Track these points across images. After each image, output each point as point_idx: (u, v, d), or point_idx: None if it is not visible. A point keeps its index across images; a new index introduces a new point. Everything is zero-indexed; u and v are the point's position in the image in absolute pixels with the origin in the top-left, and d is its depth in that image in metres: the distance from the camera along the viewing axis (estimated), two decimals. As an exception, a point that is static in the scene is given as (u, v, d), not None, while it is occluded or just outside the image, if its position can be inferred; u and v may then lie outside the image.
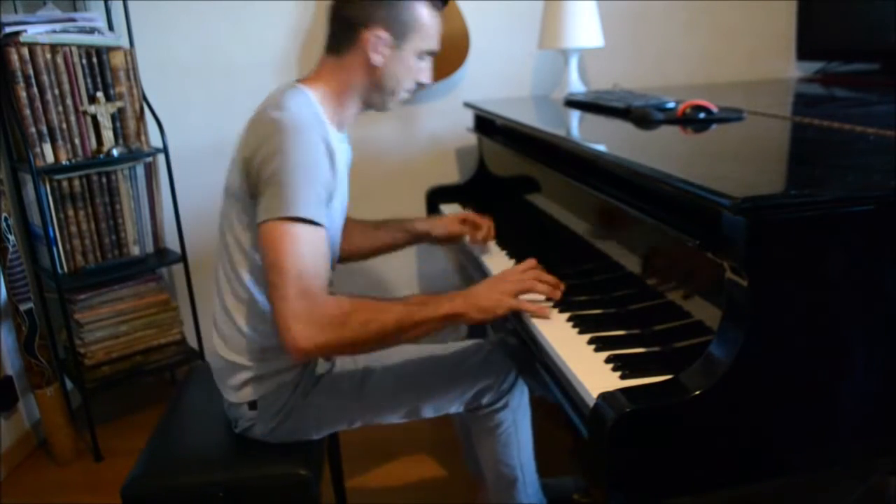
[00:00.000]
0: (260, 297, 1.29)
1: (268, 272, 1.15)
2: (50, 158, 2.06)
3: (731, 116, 1.48)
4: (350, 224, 1.61)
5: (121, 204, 2.23)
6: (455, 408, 1.42)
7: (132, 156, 2.21)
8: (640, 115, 1.54)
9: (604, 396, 0.91)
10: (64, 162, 2.08)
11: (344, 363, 1.38)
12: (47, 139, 2.05)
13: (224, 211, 1.31)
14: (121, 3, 2.18)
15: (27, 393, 2.23)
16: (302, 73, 2.40)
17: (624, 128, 1.54)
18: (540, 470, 1.56)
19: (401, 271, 2.63)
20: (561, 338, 1.17)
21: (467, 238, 1.70)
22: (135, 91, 2.20)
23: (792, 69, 2.51)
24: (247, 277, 1.28)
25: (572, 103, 1.99)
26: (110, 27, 2.24)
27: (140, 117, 2.22)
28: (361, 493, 1.93)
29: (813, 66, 2.40)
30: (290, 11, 2.37)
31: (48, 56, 2.02)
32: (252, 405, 1.33)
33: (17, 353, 2.18)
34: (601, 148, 1.30)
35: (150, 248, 2.33)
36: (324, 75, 1.33)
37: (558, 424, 1.92)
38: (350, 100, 1.33)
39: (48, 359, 2.16)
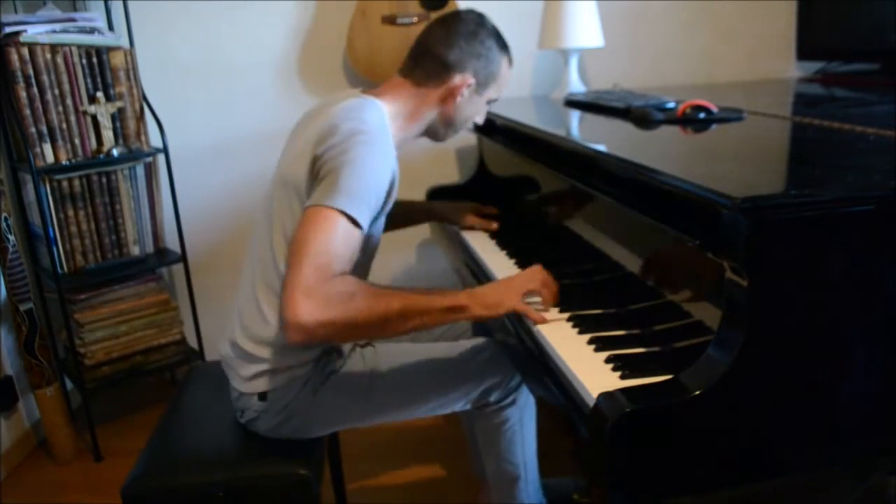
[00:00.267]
0: None
1: (291, 247, 1.16)
2: (50, 158, 2.06)
3: (731, 116, 1.48)
4: None
5: (121, 204, 2.23)
6: (461, 405, 1.42)
7: (132, 156, 2.21)
8: (640, 115, 1.54)
9: (604, 396, 0.91)
10: (64, 162, 2.08)
11: (353, 361, 1.39)
12: (47, 139, 2.05)
13: (277, 200, 1.31)
14: (121, 3, 2.18)
15: (27, 393, 2.23)
16: (302, 73, 2.41)
17: (624, 128, 1.54)
18: (540, 470, 1.56)
19: (401, 271, 2.63)
20: (561, 338, 1.17)
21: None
22: (135, 91, 2.20)
23: (792, 69, 2.51)
24: (282, 260, 1.28)
25: (572, 103, 1.99)
26: (110, 27, 2.24)
27: (140, 117, 2.22)
28: (361, 493, 1.93)
29: (813, 66, 2.40)
30: (290, 11, 2.37)
31: (48, 56, 2.02)
32: (262, 396, 1.33)
33: (17, 353, 2.18)
34: (601, 148, 1.30)
35: (150, 248, 2.33)
36: (399, 97, 1.39)
37: (558, 424, 1.92)
38: (417, 125, 1.42)
39: (48, 359, 2.16)
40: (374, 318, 1.15)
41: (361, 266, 1.37)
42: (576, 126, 1.73)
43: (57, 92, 2.05)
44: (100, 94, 2.12)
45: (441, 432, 2.12)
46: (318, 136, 1.25)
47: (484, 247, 1.72)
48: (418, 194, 2.25)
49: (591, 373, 1.05)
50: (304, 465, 1.31)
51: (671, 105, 1.54)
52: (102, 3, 2.23)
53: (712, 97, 1.58)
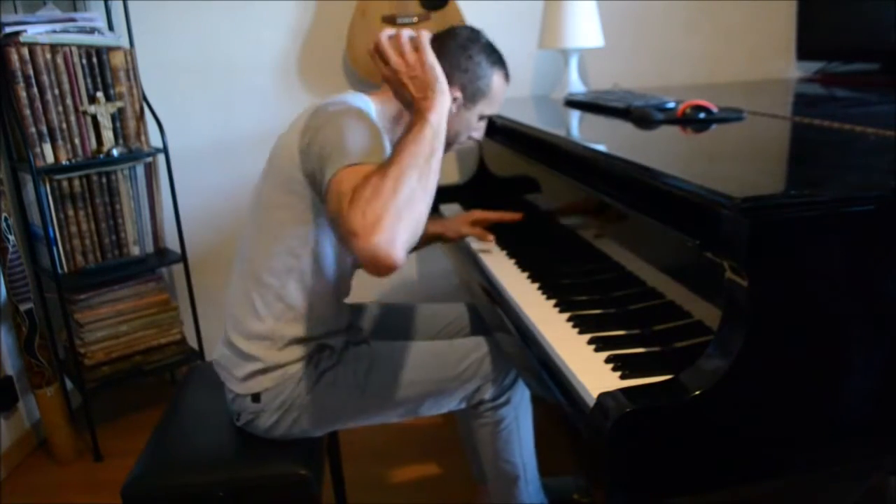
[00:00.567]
0: (290, 287, 1.30)
1: (330, 205, 1.08)
2: (50, 158, 2.06)
3: (731, 116, 1.48)
4: None
5: (121, 204, 2.23)
6: (456, 404, 1.42)
7: (132, 156, 2.21)
8: (640, 115, 1.54)
9: (604, 396, 0.91)
10: (64, 162, 2.08)
11: (347, 360, 1.39)
12: (47, 139, 2.05)
13: (264, 195, 1.30)
14: (121, 3, 2.18)
15: (27, 393, 2.23)
16: (302, 73, 2.41)
17: (624, 128, 1.54)
18: (540, 470, 1.56)
19: (401, 271, 2.62)
20: (561, 338, 1.17)
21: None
22: (135, 91, 2.20)
23: (792, 69, 2.51)
24: (279, 265, 1.29)
25: (572, 103, 1.99)
26: (110, 27, 2.24)
27: (140, 117, 2.22)
28: (361, 493, 1.93)
29: (813, 66, 2.40)
30: (290, 11, 2.37)
31: (48, 56, 2.02)
32: (256, 398, 1.33)
33: (17, 353, 2.18)
34: (601, 148, 1.30)
35: (150, 248, 2.33)
36: (388, 98, 1.34)
37: (558, 424, 1.92)
38: (401, 128, 1.35)
39: (48, 359, 2.16)
40: (410, 175, 1.05)
41: (342, 266, 1.37)
42: (576, 126, 1.73)
43: (57, 92, 2.05)
44: (100, 94, 2.12)
45: (441, 432, 2.12)
46: (303, 127, 1.23)
47: (483, 246, 1.72)
48: (418, 194, 2.24)
49: (591, 373, 1.05)
50: (303, 464, 1.31)
51: (671, 105, 1.54)
52: (102, 3, 2.23)
53: (712, 97, 1.58)
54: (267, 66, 2.40)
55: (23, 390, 2.22)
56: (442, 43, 1.35)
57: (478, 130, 1.45)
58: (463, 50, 1.36)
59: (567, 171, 1.43)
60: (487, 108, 1.42)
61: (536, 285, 1.42)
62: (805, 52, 2.41)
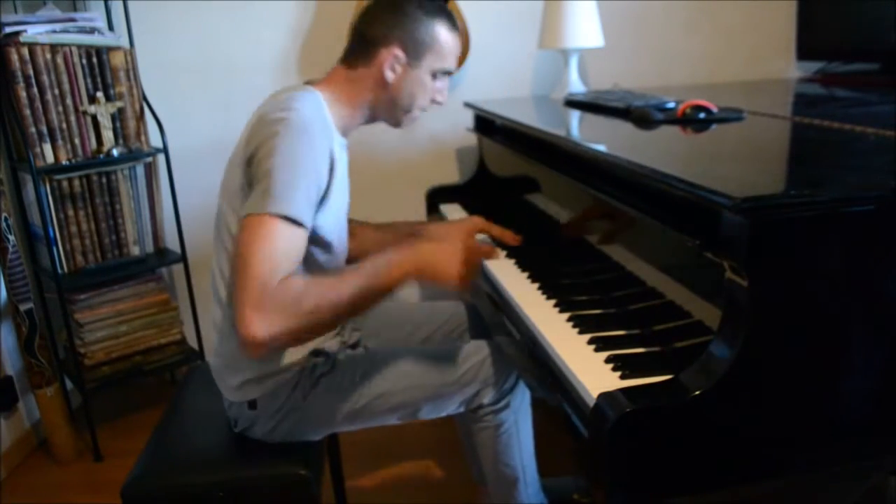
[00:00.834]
0: None
1: (234, 260, 1.14)
2: (50, 158, 2.06)
3: (731, 116, 1.48)
4: (360, 228, 1.63)
5: (121, 204, 2.23)
6: (455, 408, 1.42)
7: (132, 156, 2.21)
8: (640, 115, 1.54)
9: (604, 396, 0.91)
10: (64, 162, 2.08)
11: (344, 364, 1.38)
12: (47, 139, 2.05)
13: (222, 211, 1.30)
14: (121, 3, 2.18)
15: (27, 393, 2.23)
16: (302, 73, 2.41)
17: (624, 128, 1.54)
18: (540, 470, 1.56)
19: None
20: (561, 338, 1.17)
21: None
22: (135, 91, 2.20)
23: (792, 69, 2.51)
24: None
25: (572, 103, 1.99)
26: (110, 27, 2.24)
27: (140, 117, 2.22)
28: (361, 493, 1.93)
29: (813, 66, 2.40)
30: (290, 11, 2.37)
31: (48, 56, 2.02)
32: (251, 404, 1.33)
33: (17, 353, 2.18)
34: (601, 148, 1.30)
35: (150, 248, 2.33)
36: (336, 83, 1.34)
37: (558, 424, 1.92)
38: (359, 111, 1.36)
39: (48, 359, 2.16)
40: (327, 313, 1.13)
41: (334, 267, 1.36)
42: (576, 126, 1.73)
43: (57, 92, 2.05)
44: (100, 94, 2.12)
45: (441, 432, 2.12)
46: (248, 135, 1.23)
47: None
48: (418, 194, 2.25)
49: (591, 373, 1.04)
50: (303, 465, 1.31)
51: (671, 105, 1.54)
52: (102, 3, 2.23)
53: (712, 97, 1.58)
54: (267, 66, 2.40)
55: (23, 390, 2.22)
56: (375, 3, 1.33)
57: (440, 93, 1.39)
58: (394, 6, 1.31)
59: (567, 171, 1.43)
60: (438, 62, 1.34)
61: (536, 285, 1.42)
62: (805, 52, 2.41)
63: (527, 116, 1.87)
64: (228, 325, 1.33)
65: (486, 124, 2.13)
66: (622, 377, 1.02)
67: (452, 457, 2.01)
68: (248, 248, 1.11)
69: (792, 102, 1.93)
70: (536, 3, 2.29)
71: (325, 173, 1.22)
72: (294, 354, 1.35)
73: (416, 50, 1.31)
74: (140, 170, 2.27)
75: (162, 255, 2.35)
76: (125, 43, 2.21)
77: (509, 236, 1.64)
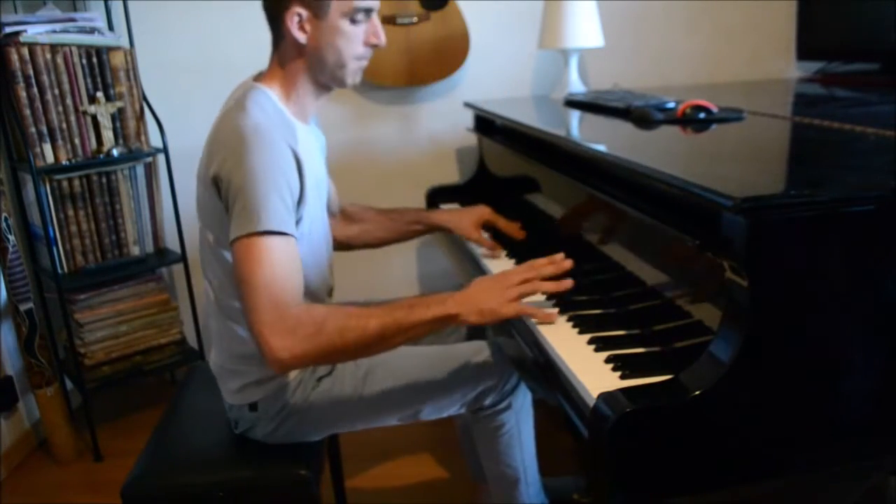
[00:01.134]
0: None
1: (240, 288, 1.14)
2: (50, 158, 2.06)
3: (731, 116, 1.48)
4: (363, 213, 1.64)
5: (121, 204, 2.23)
6: (456, 409, 1.41)
7: (132, 156, 2.21)
8: (640, 115, 1.54)
9: (604, 396, 0.91)
10: (64, 162, 2.08)
11: (345, 365, 1.38)
12: (47, 139, 2.05)
13: (205, 225, 1.29)
14: (121, 3, 2.18)
15: (27, 393, 2.23)
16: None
17: (624, 128, 1.54)
18: (540, 470, 1.56)
19: (401, 272, 2.63)
20: (561, 338, 1.17)
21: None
22: (135, 91, 2.20)
23: (792, 69, 2.51)
24: (232, 288, 1.27)
25: (572, 103, 1.99)
26: (110, 27, 2.24)
27: (140, 117, 2.22)
28: (361, 493, 1.93)
29: (813, 66, 2.40)
30: (290, 11, 2.36)
31: (48, 56, 2.02)
32: (252, 406, 1.33)
33: (17, 353, 2.18)
34: (601, 148, 1.30)
35: (150, 248, 2.33)
36: (274, 72, 1.32)
37: (558, 424, 1.92)
38: (302, 89, 1.31)
39: (48, 359, 2.16)
40: (351, 344, 1.13)
41: (317, 267, 1.36)
42: (576, 126, 1.73)
43: (57, 92, 2.05)
44: (100, 94, 2.12)
45: (441, 432, 2.11)
46: (209, 154, 1.22)
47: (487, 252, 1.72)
48: (418, 194, 2.25)
49: (591, 373, 1.04)
50: (303, 465, 1.31)
51: (671, 105, 1.54)
52: (102, 3, 2.23)
53: (712, 97, 1.58)
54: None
55: (23, 390, 2.22)
56: None
57: (373, 34, 1.28)
58: None
59: (567, 171, 1.43)
60: (343, 4, 1.23)
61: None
62: (805, 52, 2.41)
63: (527, 116, 1.87)
64: (225, 332, 1.33)
65: (486, 124, 2.13)
66: (622, 377, 1.02)
67: (452, 457, 2.01)
68: (248, 274, 1.12)
69: (792, 102, 1.93)
70: (536, 3, 2.29)
71: (295, 176, 1.20)
72: None
73: (315, 2, 1.23)
74: (140, 170, 2.27)
75: (162, 255, 2.35)
76: (125, 43, 2.21)
77: (515, 229, 1.65)
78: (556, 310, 1.26)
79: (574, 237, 1.48)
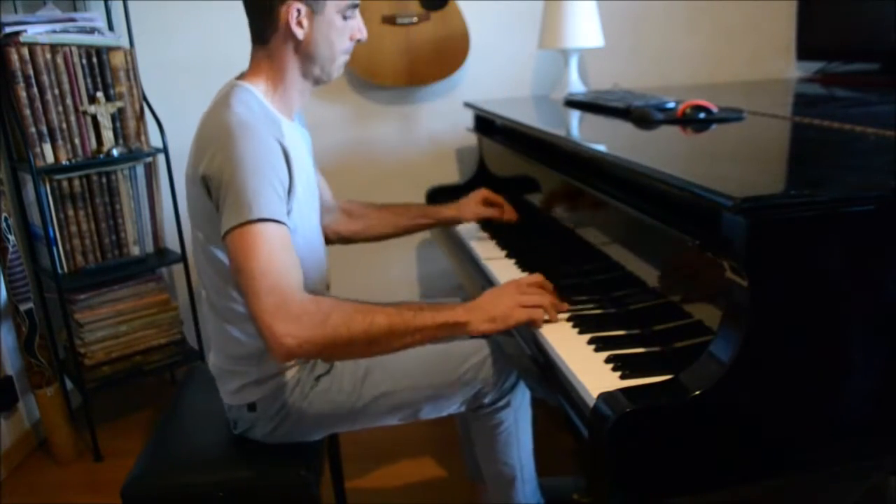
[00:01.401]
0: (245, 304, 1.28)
1: (237, 277, 1.13)
2: (50, 158, 2.06)
3: (731, 116, 1.48)
4: (365, 209, 1.65)
5: (121, 204, 2.23)
6: (456, 408, 1.42)
7: (132, 156, 2.21)
8: (640, 115, 1.54)
9: (604, 396, 0.91)
10: (64, 162, 2.08)
11: (344, 364, 1.38)
12: (47, 139, 2.05)
13: (195, 225, 1.29)
14: (121, 3, 2.18)
15: (27, 393, 2.23)
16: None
17: (624, 128, 1.54)
18: (540, 470, 1.56)
19: (400, 272, 2.63)
20: (561, 338, 1.17)
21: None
22: (135, 91, 2.20)
23: (792, 69, 2.51)
24: (228, 285, 1.28)
25: (572, 103, 1.99)
26: (110, 27, 2.24)
27: (140, 117, 2.22)
28: (361, 493, 1.93)
29: (813, 66, 2.40)
30: (290, 11, 2.36)
31: (48, 56, 2.02)
32: (251, 407, 1.33)
33: (17, 353, 2.18)
34: (601, 148, 1.30)
35: (150, 248, 2.33)
36: (259, 68, 1.32)
37: (558, 424, 1.92)
38: (291, 84, 1.32)
39: (48, 359, 2.16)
40: (357, 336, 1.12)
41: (313, 261, 1.36)
42: (576, 126, 1.73)
43: (57, 92, 2.05)
44: (100, 94, 2.12)
45: (441, 432, 2.11)
46: (196, 154, 1.22)
47: (484, 247, 1.72)
48: (418, 194, 2.25)
49: (591, 373, 1.04)
50: (303, 465, 1.31)
51: (671, 105, 1.54)
52: (102, 3, 2.23)
53: (712, 97, 1.58)
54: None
55: (23, 390, 2.22)
56: None
57: (358, 31, 1.33)
58: None
59: (567, 171, 1.43)
60: (341, 1, 1.29)
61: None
62: (805, 52, 2.41)
63: (527, 116, 1.87)
64: (220, 334, 1.33)
65: (486, 124, 2.13)
66: (622, 377, 1.02)
67: (452, 457, 2.01)
68: (245, 262, 1.11)
69: (792, 102, 1.93)
70: (536, 3, 2.29)
71: (284, 167, 1.20)
72: None
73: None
74: (140, 170, 2.27)
75: (162, 255, 2.35)
76: (125, 43, 2.21)
77: (509, 211, 1.70)
78: (565, 311, 1.26)
79: (574, 237, 1.48)
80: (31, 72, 1.99)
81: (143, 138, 2.24)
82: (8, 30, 1.98)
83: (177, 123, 2.35)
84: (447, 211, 1.72)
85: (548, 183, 1.63)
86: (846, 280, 0.90)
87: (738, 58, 2.53)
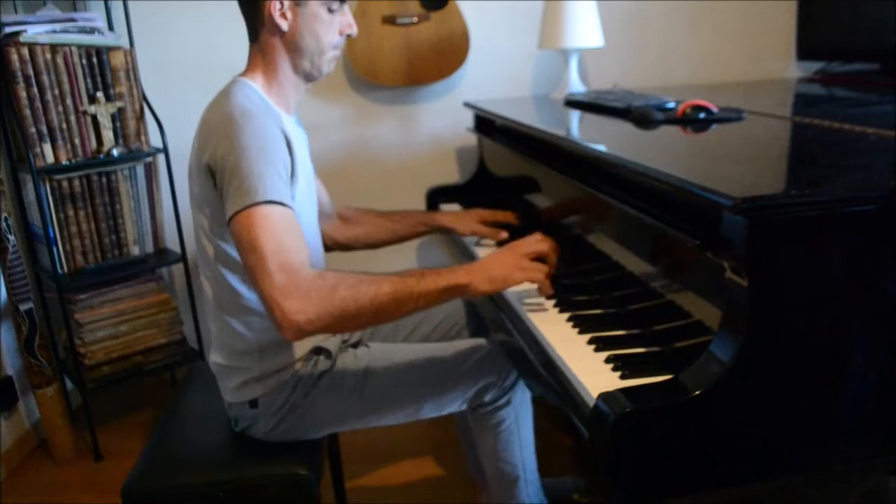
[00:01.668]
0: (249, 295, 1.29)
1: (245, 259, 1.14)
2: (50, 158, 2.06)
3: (731, 116, 1.48)
4: (363, 215, 1.66)
5: (121, 204, 2.23)
6: (457, 406, 1.42)
7: (132, 156, 2.21)
8: (640, 115, 1.54)
9: (604, 396, 0.91)
10: (64, 162, 2.08)
11: (345, 361, 1.38)
12: (47, 139, 2.05)
13: (197, 220, 1.32)
14: (121, 3, 2.18)
15: (27, 393, 2.23)
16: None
17: (624, 128, 1.54)
18: (540, 470, 1.56)
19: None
20: (561, 338, 1.17)
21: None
22: (135, 91, 2.20)
23: (792, 69, 2.51)
24: (230, 277, 1.29)
25: (572, 103, 1.99)
26: (110, 27, 2.24)
27: (140, 117, 2.22)
28: (361, 493, 1.93)
29: (813, 66, 2.40)
30: (290, 11, 2.36)
31: (48, 56, 2.02)
32: (253, 403, 1.33)
33: (17, 353, 2.18)
34: (601, 148, 1.30)
35: (150, 248, 2.33)
36: (255, 65, 1.35)
37: (558, 424, 1.92)
38: (284, 79, 1.34)
39: (48, 359, 2.16)
40: (366, 306, 1.13)
41: (315, 251, 1.37)
42: (576, 126, 1.73)
43: (57, 92, 2.05)
44: (100, 94, 2.12)
45: (441, 433, 2.12)
46: (200, 144, 1.24)
47: (484, 248, 1.72)
48: (418, 194, 2.25)
49: (591, 373, 1.05)
50: (303, 465, 1.31)
51: (671, 105, 1.54)
52: (102, 3, 2.23)
53: (712, 97, 1.58)
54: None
55: (23, 390, 2.22)
56: None
57: (348, 26, 1.34)
58: None
59: (567, 171, 1.43)
60: None
61: (537, 285, 1.41)
62: (805, 52, 2.41)
63: (527, 116, 1.87)
64: (223, 328, 1.33)
65: (486, 124, 2.13)
66: (622, 377, 1.02)
67: (452, 457, 2.01)
68: (253, 242, 1.12)
69: (792, 102, 1.93)
70: (536, 3, 2.29)
71: (286, 152, 1.22)
72: (295, 352, 1.35)
73: None
74: (140, 170, 2.27)
75: (162, 255, 2.35)
76: (125, 43, 2.21)
77: (509, 216, 1.71)
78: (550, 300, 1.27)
79: (573, 237, 1.48)
80: (31, 72, 1.99)
81: (143, 138, 2.24)
82: (8, 30, 1.98)
83: (177, 123, 2.35)
84: (445, 220, 1.71)
85: (548, 183, 1.63)
86: (846, 280, 0.90)
87: (738, 58, 2.53)
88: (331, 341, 1.40)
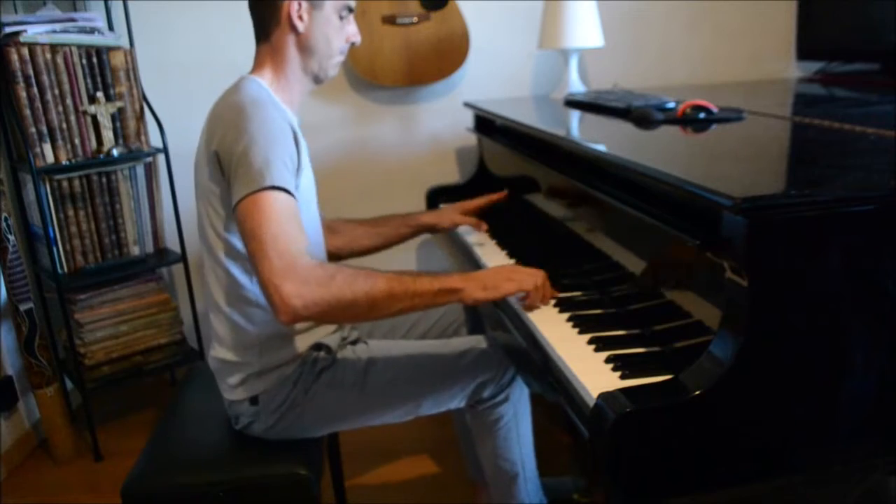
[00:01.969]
0: (251, 286, 1.30)
1: (247, 243, 1.17)
2: (50, 158, 2.06)
3: (731, 116, 1.48)
4: (345, 225, 1.67)
5: (121, 204, 2.23)
6: (456, 403, 1.42)
7: (132, 156, 2.21)
8: (640, 115, 1.54)
9: (604, 396, 0.91)
10: (64, 162, 2.08)
11: (345, 357, 1.39)
12: (47, 139, 2.05)
13: (201, 211, 1.34)
14: (121, 3, 2.18)
15: (27, 393, 2.23)
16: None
17: (624, 128, 1.54)
18: (540, 470, 1.56)
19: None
20: (561, 338, 1.17)
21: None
22: (135, 91, 2.20)
23: (792, 69, 2.51)
24: (234, 269, 1.30)
25: (572, 103, 1.99)
26: (110, 27, 2.24)
27: (140, 117, 2.22)
28: (361, 492, 1.93)
29: (813, 66, 2.40)
30: (290, 11, 2.36)
31: (48, 56, 2.02)
32: (253, 400, 1.33)
33: (17, 353, 2.18)
34: (601, 148, 1.30)
35: (150, 248, 2.33)
36: (264, 63, 1.38)
37: (558, 424, 1.92)
38: (294, 78, 1.38)
39: (48, 359, 2.16)
40: (361, 298, 1.15)
41: (317, 245, 1.38)
42: (576, 126, 1.73)
43: (57, 92, 2.05)
44: (100, 94, 2.12)
45: (441, 432, 2.11)
46: (208, 135, 1.28)
47: (484, 247, 1.72)
48: (418, 194, 2.25)
49: (591, 373, 1.05)
50: (303, 464, 1.31)
51: (671, 105, 1.54)
52: (102, 3, 2.23)
53: (712, 97, 1.58)
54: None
55: (23, 390, 2.22)
56: None
57: (354, 34, 1.41)
58: None
59: (567, 171, 1.43)
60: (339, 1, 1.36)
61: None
62: (805, 52, 2.41)
63: (527, 116, 1.87)
64: (224, 322, 1.33)
65: (486, 124, 2.13)
66: (622, 377, 1.02)
67: (452, 457, 2.01)
68: (257, 227, 1.14)
69: (792, 102, 1.93)
70: (536, 3, 2.29)
71: (293, 145, 1.26)
72: (296, 347, 1.35)
73: None
74: (140, 170, 2.27)
75: (162, 255, 2.35)
76: (125, 43, 2.21)
77: (495, 197, 1.75)
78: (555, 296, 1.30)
79: (574, 237, 1.48)
80: (31, 72, 1.99)
81: (143, 138, 2.24)
82: (8, 30, 1.98)
83: (177, 123, 2.35)
84: (426, 219, 1.74)
85: (548, 183, 1.63)
86: (846, 280, 0.90)
87: (738, 58, 2.53)
88: (331, 338, 1.41)
